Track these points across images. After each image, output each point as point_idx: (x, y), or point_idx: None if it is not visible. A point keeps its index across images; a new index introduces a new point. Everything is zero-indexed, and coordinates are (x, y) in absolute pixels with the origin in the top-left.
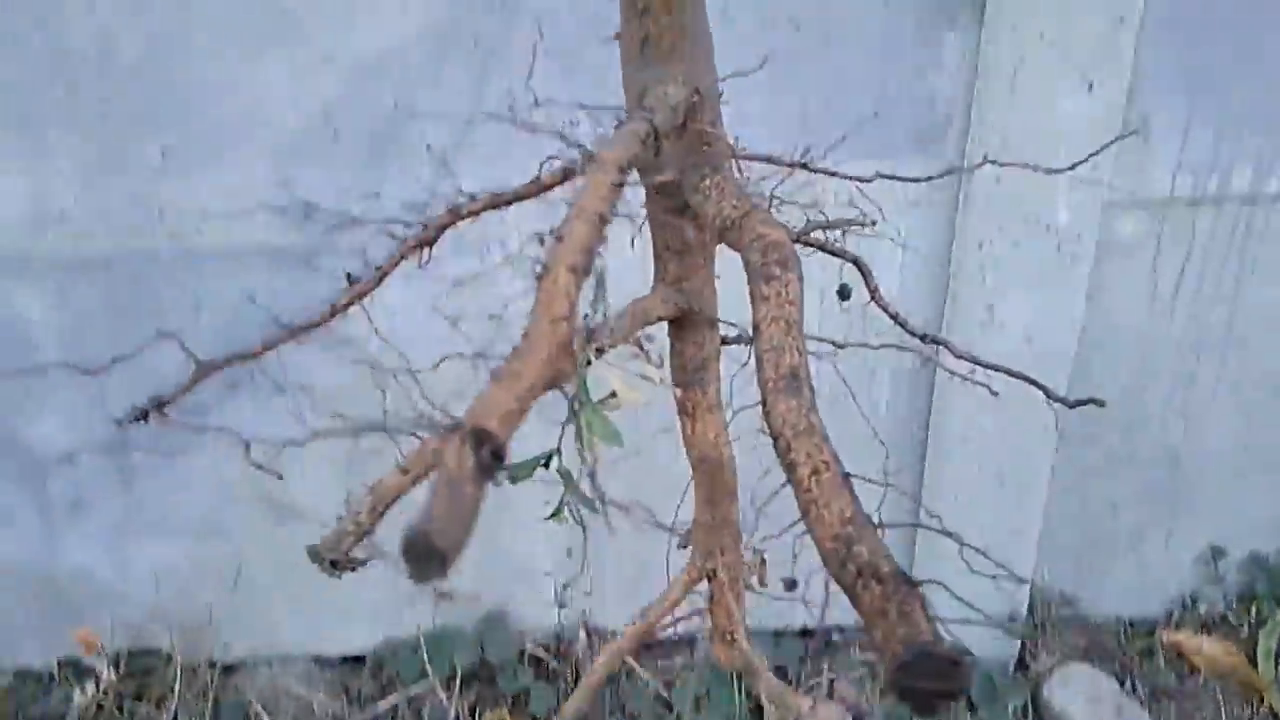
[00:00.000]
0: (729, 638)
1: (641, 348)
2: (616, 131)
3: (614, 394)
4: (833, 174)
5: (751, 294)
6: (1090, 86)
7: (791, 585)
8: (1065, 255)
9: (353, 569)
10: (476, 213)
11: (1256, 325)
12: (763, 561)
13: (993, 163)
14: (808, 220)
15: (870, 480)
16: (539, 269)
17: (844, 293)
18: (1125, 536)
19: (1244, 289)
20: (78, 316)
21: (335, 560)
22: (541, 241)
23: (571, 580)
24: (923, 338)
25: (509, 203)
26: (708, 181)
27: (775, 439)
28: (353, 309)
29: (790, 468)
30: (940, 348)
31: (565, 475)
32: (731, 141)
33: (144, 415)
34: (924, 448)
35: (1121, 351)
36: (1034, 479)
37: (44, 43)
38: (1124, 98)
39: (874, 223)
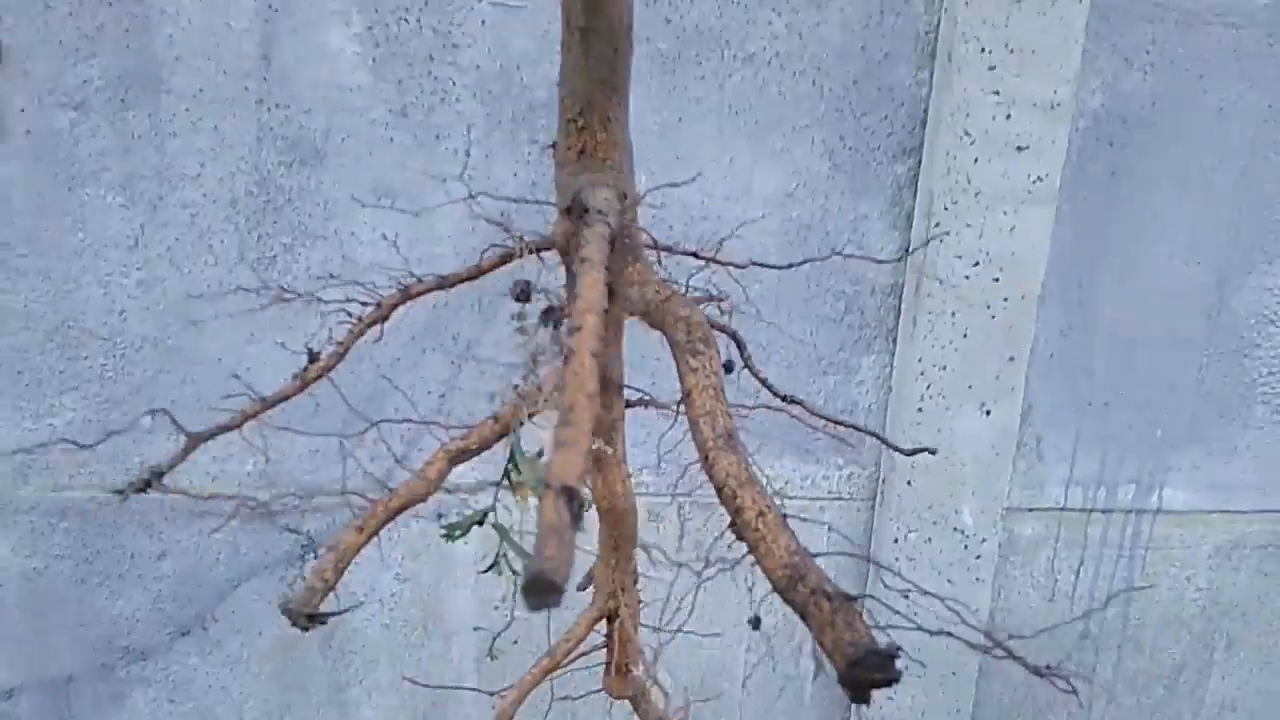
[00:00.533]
0: (625, 669)
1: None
2: (589, 232)
3: (542, 453)
4: (726, 264)
5: (679, 366)
6: (987, 411)
7: (756, 623)
8: (971, 553)
9: (323, 623)
10: (424, 292)
11: (1150, 624)
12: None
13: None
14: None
15: None
16: (565, 354)
17: (754, 624)
18: None
19: (1135, 591)
20: (45, 559)
21: (311, 615)
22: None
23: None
24: (784, 398)
25: (454, 284)
26: (630, 269)
27: (720, 490)
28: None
29: (737, 512)
30: (799, 407)
31: (500, 530)
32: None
33: (144, 486)
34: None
35: (1026, 642)
36: None
37: (55, 319)
38: (1017, 421)
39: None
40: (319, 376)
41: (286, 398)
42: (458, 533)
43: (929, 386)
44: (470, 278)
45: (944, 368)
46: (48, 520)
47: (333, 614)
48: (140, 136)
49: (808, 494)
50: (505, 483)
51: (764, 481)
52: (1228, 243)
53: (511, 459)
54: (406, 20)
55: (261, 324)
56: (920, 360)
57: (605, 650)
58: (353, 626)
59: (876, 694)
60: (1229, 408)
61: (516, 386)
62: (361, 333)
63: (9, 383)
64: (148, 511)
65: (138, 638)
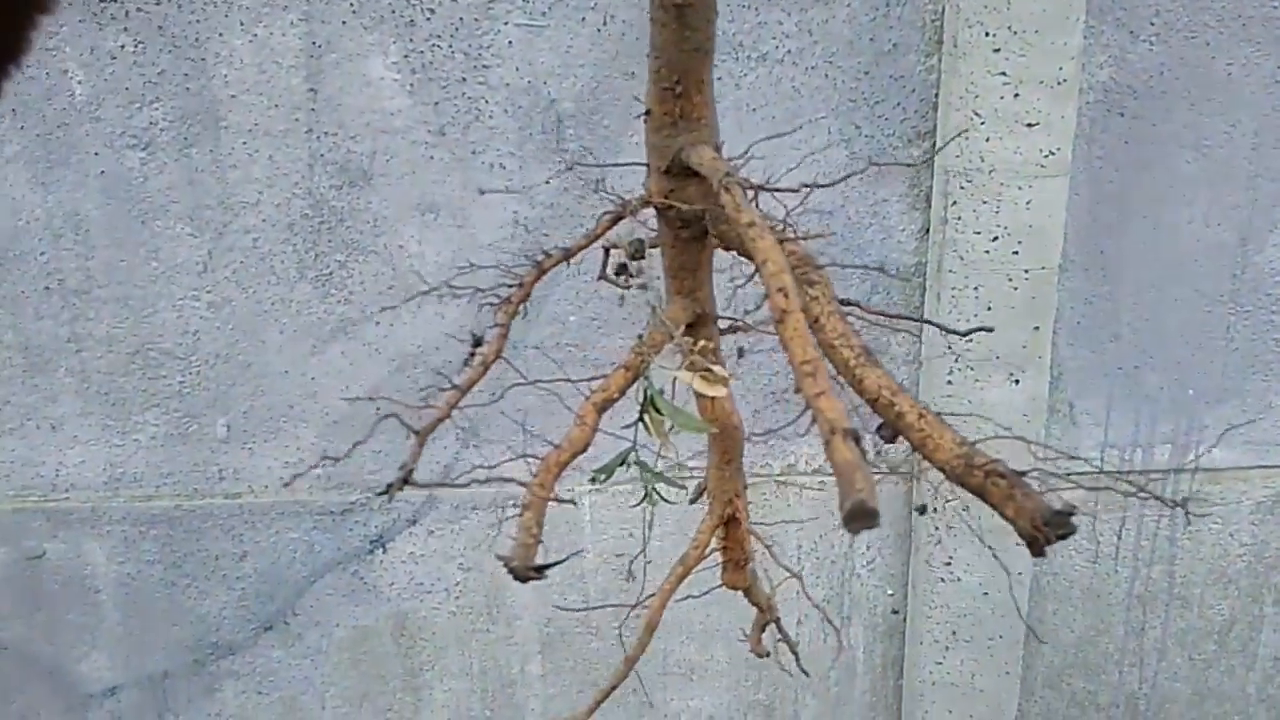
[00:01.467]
0: (741, 564)
1: (708, 352)
2: (733, 196)
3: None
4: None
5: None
6: (1016, 381)
7: (892, 438)
8: None
9: (543, 575)
10: (554, 265)
11: (1196, 582)
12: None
13: None
14: None
15: None
16: (777, 317)
17: (740, 353)
18: None
19: (1179, 549)
20: (138, 565)
21: (537, 568)
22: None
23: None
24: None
25: (576, 253)
26: (735, 216)
27: (874, 402)
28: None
29: (899, 417)
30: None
31: (643, 466)
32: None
33: (402, 484)
34: (899, 693)
35: (1073, 604)
36: None
37: (135, 342)
38: (1046, 389)
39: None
40: (496, 357)
41: (475, 382)
42: (603, 476)
43: (957, 360)
44: (590, 243)
45: (970, 340)
46: (138, 529)
47: (554, 564)
48: (203, 170)
49: None
50: (643, 422)
51: (799, 462)
52: (1247, 202)
53: (648, 401)
54: (439, 46)
55: (323, 336)
56: (946, 335)
57: (723, 551)
58: (422, 615)
59: (930, 653)
60: (1260, 363)
61: (640, 336)
62: (514, 311)
63: (97, 403)
64: (228, 516)
65: (225, 634)
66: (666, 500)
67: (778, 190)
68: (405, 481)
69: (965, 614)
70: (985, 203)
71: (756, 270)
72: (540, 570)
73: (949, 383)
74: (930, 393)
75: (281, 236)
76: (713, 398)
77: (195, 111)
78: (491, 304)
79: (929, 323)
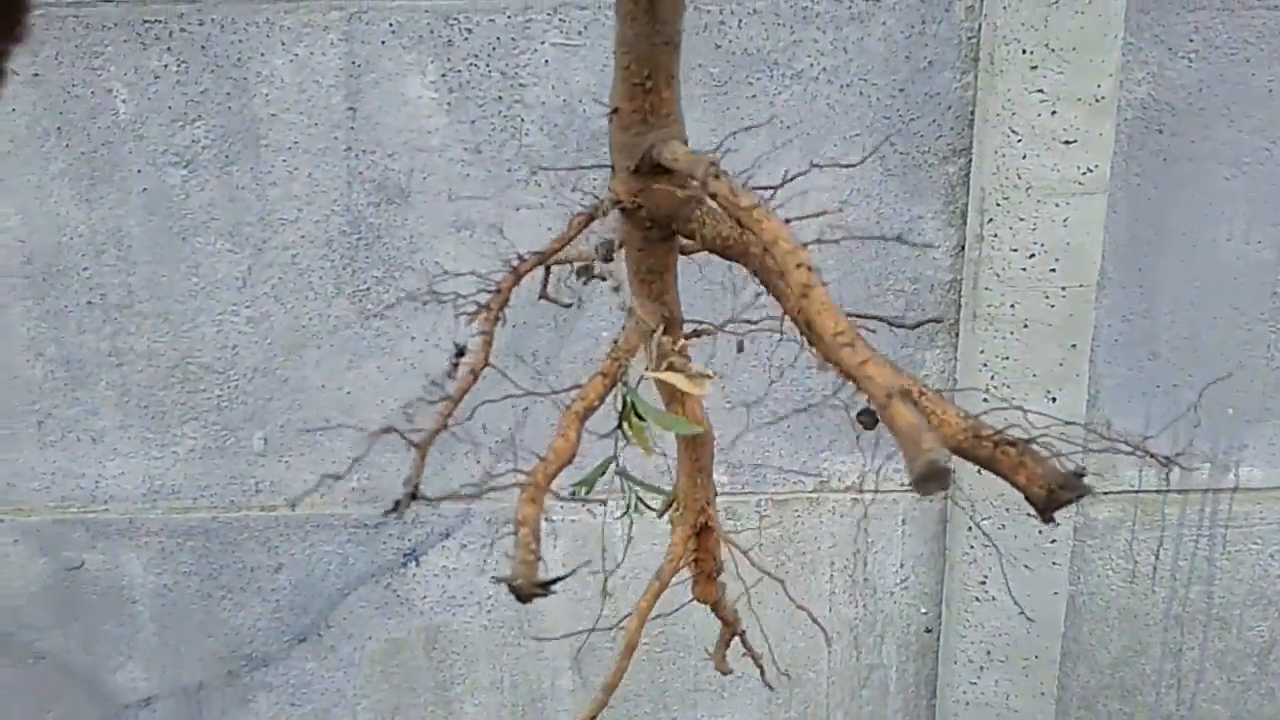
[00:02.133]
0: (712, 576)
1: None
2: (724, 182)
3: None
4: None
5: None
6: (1053, 399)
7: (873, 423)
8: (1046, 537)
9: (549, 591)
10: (530, 269)
11: (1235, 603)
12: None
13: None
14: None
15: None
16: (803, 291)
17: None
18: None
19: (1218, 569)
20: (174, 576)
21: (541, 584)
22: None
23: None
24: (858, 316)
25: (552, 256)
26: (700, 212)
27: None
28: None
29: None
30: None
31: (625, 476)
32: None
33: (410, 499)
34: (933, 713)
35: (1110, 623)
36: None
37: (175, 356)
38: (1084, 406)
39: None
40: (485, 365)
41: (465, 391)
42: (584, 489)
43: (993, 377)
44: (564, 244)
45: (1006, 358)
46: (175, 540)
47: (558, 579)
48: (243, 187)
49: (880, 488)
50: (622, 430)
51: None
52: None
53: (628, 408)
54: (476, 65)
55: (360, 351)
56: (982, 352)
57: (695, 563)
58: (454, 629)
59: (964, 672)
60: None
61: (615, 341)
62: (496, 317)
63: (137, 417)
64: (264, 529)
65: (259, 645)
66: (652, 509)
67: (762, 189)
68: (413, 497)
69: (1000, 633)
70: (1022, 220)
71: (748, 262)
72: (545, 587)
73: (984, 399)
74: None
75: (320, 253)
76: (698, 396)
77: (236, 130)
78: (468, 313)
79: (876, 318)
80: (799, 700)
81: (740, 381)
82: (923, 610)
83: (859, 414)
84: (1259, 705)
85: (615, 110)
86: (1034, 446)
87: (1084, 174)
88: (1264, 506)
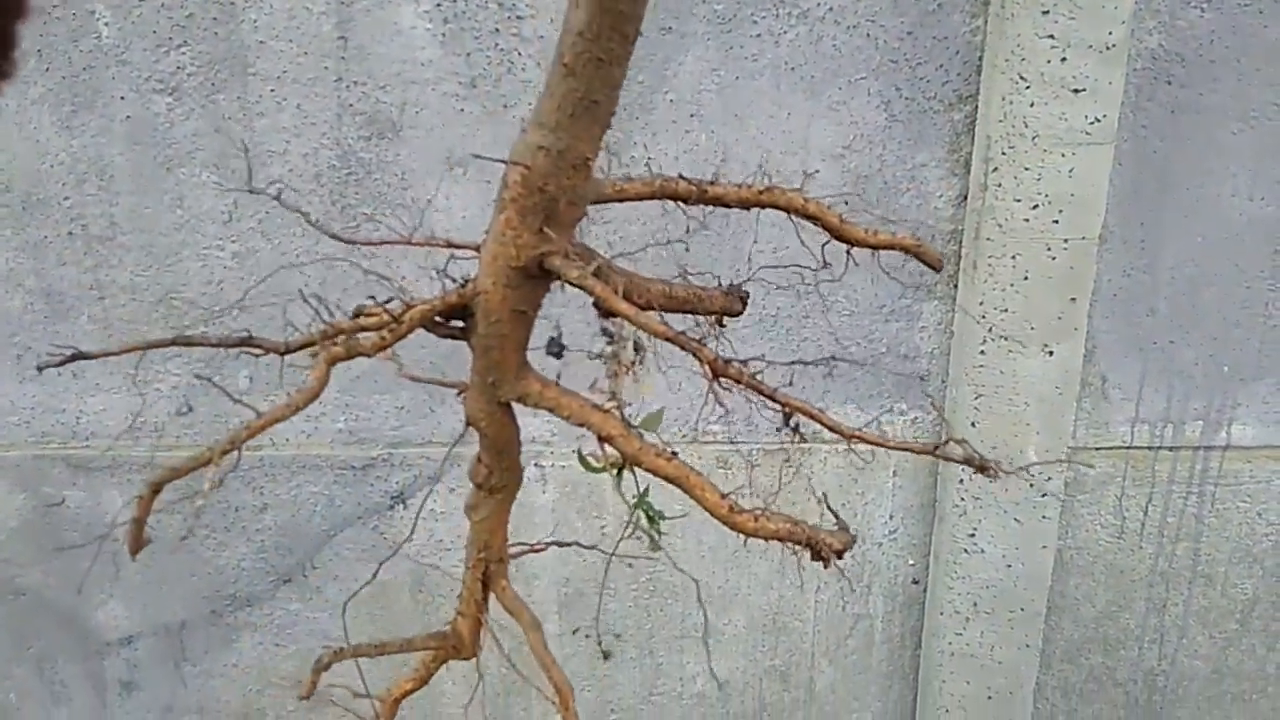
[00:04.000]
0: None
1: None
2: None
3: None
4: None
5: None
6: (1050, 352)
7: (559, 353)
8: (1036, 491)
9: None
10: (409, 330)
11: (1221, 560)
12: None
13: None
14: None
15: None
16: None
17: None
18: None
19: (1205, 527)
20: (157, 514)
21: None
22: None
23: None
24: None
25: (434, 313)
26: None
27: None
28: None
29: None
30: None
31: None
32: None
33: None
34: (917, 663)
35: (1096, 578)
36: (1020, 694)
37: (158, 291)
38: (1080, 361)
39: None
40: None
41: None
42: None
43: (991, 329)
44: (440, 307)
45: (1005, 310)
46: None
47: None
48: (230, 117)
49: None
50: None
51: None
52: None
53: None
54: None
55: (350, 289)
56: (981, 303)
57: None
58: (441, 571)
59: (950, 623)
60: None
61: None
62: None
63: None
64: (249, 469)
65: (243, 585)
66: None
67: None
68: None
69: (987, 586)
70: (1027, 169)
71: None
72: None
73: (981, 353)
74: (962, 363)
75: (308, 188)
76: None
77: (223, 57)
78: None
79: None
80: (784, 649)
81: (735, 331)
82: (910, 562)
83: (547, 346)
84: (1240, 662)
85: (586, 161)
86: None
87: (1092, 124)
88: (1254, 465)
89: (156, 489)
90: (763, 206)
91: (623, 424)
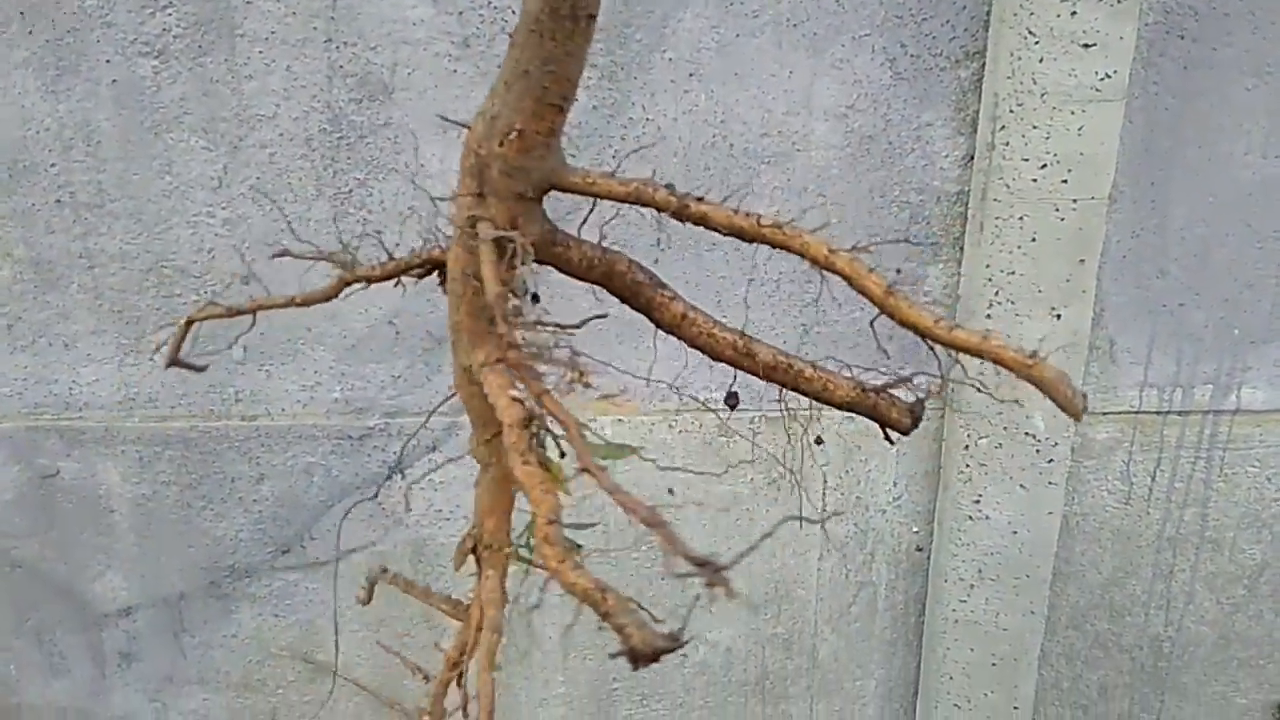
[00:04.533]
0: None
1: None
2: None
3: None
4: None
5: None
6: (1058, 315)
7: (735, 404)
8: (1043, 457)
9: (679, 644)
10: (370, 280)
11: (1229, 525)
12: None
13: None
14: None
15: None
16: None
17: (731, 401)
18: (1116, 719)
19: (1214, 492)
20: (153, 485)
21: (670, 636)
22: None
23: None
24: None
25: (385, 277)
26: (568, 241)
27: (773, 370)
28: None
29: (799, 375)
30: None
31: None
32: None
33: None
34: (921, 630)
35: (1102, 544)
36: (1025, 660)
37: (149, 259)
38: (1088, 325)
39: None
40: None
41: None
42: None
43: (997, 293)
44: (401, 270)
45: (1012, 273)
46: (153, 449)
47: (679, 639)
48: (218, 80)
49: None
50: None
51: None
52: None
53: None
54: None
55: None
56: (988, 266)
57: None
58: (440, 541)
59: (954, 590)
60: None
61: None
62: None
63: (110, 322)
64: (245, 438)
65: (242, 556)
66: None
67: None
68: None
69: (992, 552)
70: (1035, 128)
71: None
72: (674, 640)
73: (988, 316)
74: (969, 327)
75: (299, 152)
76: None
77: (210, 18)
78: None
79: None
80: (787, 616)
81: (737, 295)
82: (915, 529)
83: (725, 398)
84: (1247, 627)
85: (519, 132)
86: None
87: (1102, 80)
88: (1264, 429)
89: (190, 323)
90: (765, 244)
91: (524, 422)
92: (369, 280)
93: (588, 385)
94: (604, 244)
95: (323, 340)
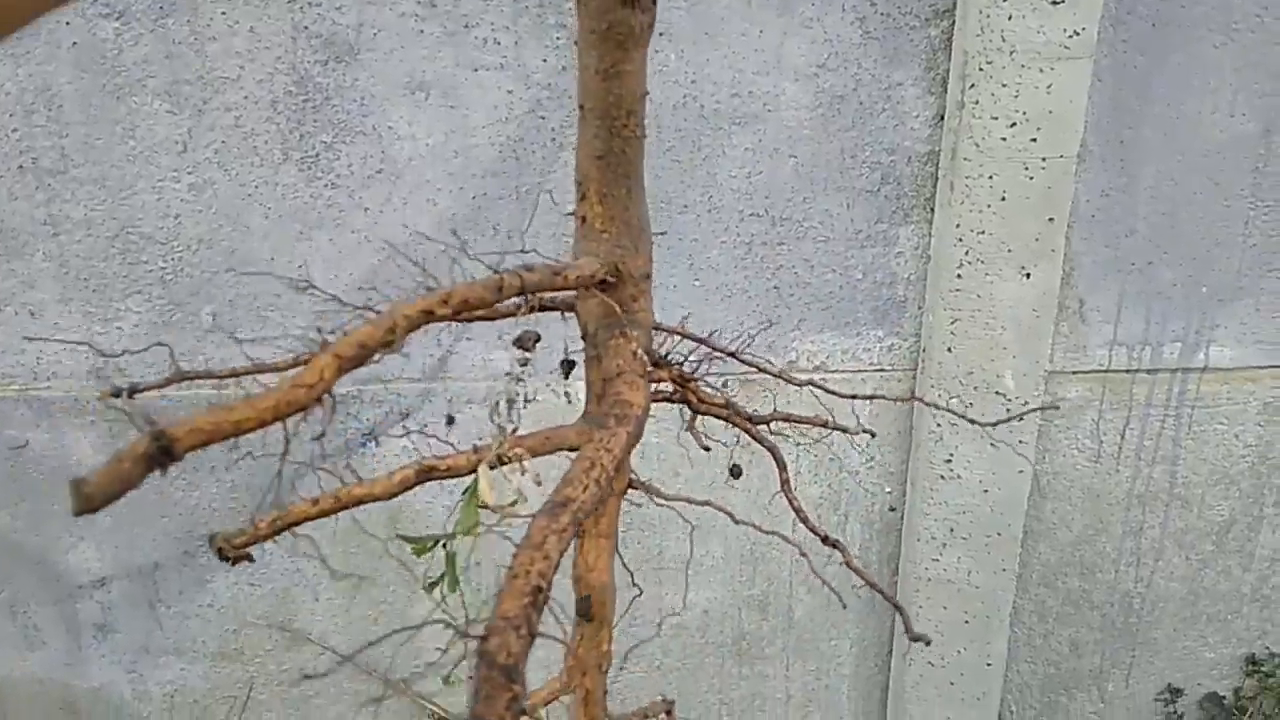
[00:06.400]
0: None
1: (521, 462)
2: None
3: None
4: (756, 366)
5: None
6: (1027, 275)
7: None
8: (1013, 414)
9: (237, 561)
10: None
11: (1197, 482)
12: None
13: None
14: (773, 410)
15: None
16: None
17: (734, 472)
18: (1087, 674)
19: (1182, 449)
20: None
21: (236, 554)
22: None
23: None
24: (828, 540)
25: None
26: (611, 340)
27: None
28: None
29: (511, 574)
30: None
31: (451, 557)
32: (655, 317)
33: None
34: (895, 589)
35: (1073, 502)
36: (997, 618)
37: (114, 225)
38: (1058, 283)
39: (842, 428)
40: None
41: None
42: (422, 546)
43: (967, 252)
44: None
45: (982, 232)
46: (123, 419)
47: (248, 559)
48: (181, 42)
49: (849, 367)
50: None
51: (800, 359)
52: (1274, 92)
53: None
54: None
55: (310, 221)
56: (958, 226)
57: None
58: (415, 509)
59: (926, 549)
60: (1277, 261)
61: (502, 429)
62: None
63: (77, 289)
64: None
65: (216, 525)
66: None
67: (688, 337)
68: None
69: (964, 511)
70: (1004, 86)
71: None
72: (237, 559)
73: (958, 276)
74: (939, 286)
75: (264, 115)
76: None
77: None
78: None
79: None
80: (762, 577)
81: (709, 258)
82: (887, 489)
83: (515, 340)
84: (1215, 582)
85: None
86: None
87: (1070, 37)
88: (1232, 387)
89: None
90: None
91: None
92: None
93: None
94: None
95: (293, 307)
